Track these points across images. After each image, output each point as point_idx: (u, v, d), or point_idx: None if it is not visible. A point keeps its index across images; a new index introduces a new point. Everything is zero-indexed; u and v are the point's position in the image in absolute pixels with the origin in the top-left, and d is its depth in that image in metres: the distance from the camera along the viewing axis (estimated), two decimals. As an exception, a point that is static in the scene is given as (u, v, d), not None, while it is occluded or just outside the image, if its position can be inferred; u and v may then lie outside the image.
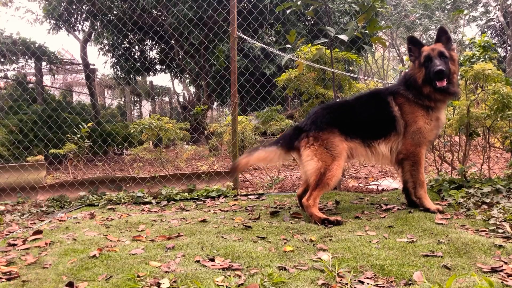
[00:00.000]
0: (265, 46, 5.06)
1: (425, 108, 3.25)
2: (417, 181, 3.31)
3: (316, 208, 3.15)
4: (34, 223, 3.72)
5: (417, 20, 18.61)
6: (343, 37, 4.01)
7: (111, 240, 2.81)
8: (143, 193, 4.54)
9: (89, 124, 7.26)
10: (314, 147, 3.23)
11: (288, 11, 4.87)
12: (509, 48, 16.32)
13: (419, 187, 3.31)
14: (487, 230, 2.65)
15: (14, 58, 11.77)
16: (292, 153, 3.48)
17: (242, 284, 1.92)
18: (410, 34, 3.50)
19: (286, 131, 3.66)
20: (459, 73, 4.25)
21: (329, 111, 3.41)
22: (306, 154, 3.24)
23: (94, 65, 16.84)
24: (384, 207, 3.46)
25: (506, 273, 1.93)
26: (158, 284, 1.94)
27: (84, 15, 12.12)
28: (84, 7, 11.37)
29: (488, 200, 3.30)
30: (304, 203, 3.20)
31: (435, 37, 3.37)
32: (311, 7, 4.45)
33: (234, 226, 3.08)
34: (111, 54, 14.05)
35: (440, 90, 3.16)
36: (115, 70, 14.58)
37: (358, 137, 3.32)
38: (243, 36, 4.86)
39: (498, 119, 4.01)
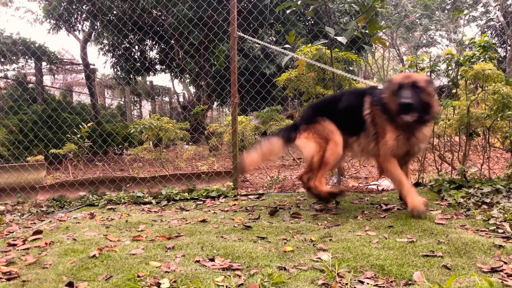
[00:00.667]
0: (268, 45, 5.06)
1: (396, 126, 3.17)
2: (395, 184, 3.32)
3: (323, 185, 3.36)
4: (34, 223, 3.72)
5: (417, 20, 18.61)
6: (342, 39, 4.01)
7: (111, 240, 2.81)
8: (143, 193, 4.54)
9: (89, 124, 7.26)
10: (304, 134, 3.50)
11: (288, 11, 4.86)
12: (509, 48, 16.32)
13: (399, 188, 3.30)
14: (487, 230, 2.65)
15: (14, 58, 11.76)
16: (291, 145, 3.73)
17: (242, 284, 1.92)
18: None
19: (284, 127, 3.91)
20: (459, 73, 4.25)
21: (315, 106, 3.73)
22: (299, 143, 3.51)
23: (94, 65, 16.83)
24: (384, 207, 3.46)
25: (506, 273, 1.93)
26: (158, 284, 1.94)
27: (84, 15, 12.11)
28: (84, 7, 11.37)
29: (488, 200, 3.30)
30: (311, 186, 3.40)
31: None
32: (311, 7, 4.45)
33: (234, 226, 3.08)
34: (111, 54, 14.05)
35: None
36: (115, 70, 14.58)
37: (340, 128, 3.46)
38: (243, 35, 4.86)
39: (498, 119, 4.01)
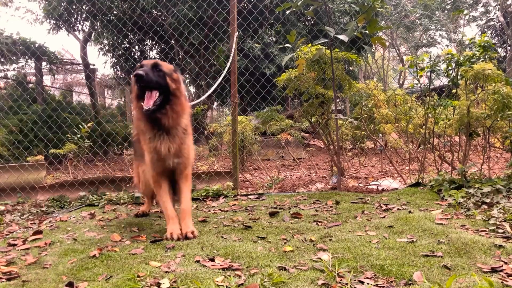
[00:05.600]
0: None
1: (143, 133, 2.86)
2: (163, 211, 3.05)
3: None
4: (34, 223, 3.72)
5: (417, 20, 18.60)
6: (343, 37, 4.01)
7: (111, 240, 2.81)
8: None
9: (89, 124, 7.26)
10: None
11: (288, 11, 4.86)
12: (509, 48, 16.32)
13: (164, 213, 3.00)
14: (487, 230, 2.65)
15: (14, 58, 11.76)
16: None
17: (242, 284, 1.92)
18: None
19: None
20: (459, 73, 4.24)
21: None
22: None
23: (94, 65, 16.81)
24: (384, 207, 3.46)
25: (506, 273, 1.93)
26: (158, 284, 1.94)
27: (84, 15, 12.10)
28: (84, 7, 11.36)
29: (488, 200, 3.30)
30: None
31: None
32: (311, 7, 4.45)
33: (234, 226, 3.08)
34: (111, 54, 14.03)
35: (146, 111, 2.64)
36: (115, 70, 14.56)
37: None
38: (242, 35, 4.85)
39: (498, 119, 4.01)
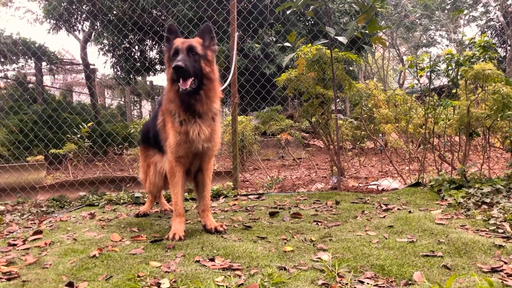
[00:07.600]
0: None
1: (172, 116, 2.84)
2: (172, 203, 2.94)
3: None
4: (34, 223, 3.72)
5: (417, 20, 18.60)
6: (342, 39, 4.00)
7: (111, 240, 2.81)
8: (143, 194, 4.54)
9: (89, 124, 7.26)
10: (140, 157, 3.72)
11: (288, 11, 4.85)
12: (509, 48, 16.31)
13: (173, 208, 2.92)
14: (487, 230, 2.65)
15: (14, 58, 11.78)
16: None
17: (242, 284, 1.92)
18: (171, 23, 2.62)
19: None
20: (459, 73, 4.24)
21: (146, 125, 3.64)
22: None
23: (94, 65, 16.81)
24: (384, 207, 3.46)
25: (506, 273, 1.93)
26: (158, 284, 1.94)
27: (84, 15, 12.12)
28: (84, 7, 11.37)
29: (488, 200, 3.30)
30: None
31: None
32: (311, 7, 4.45)
33: (234, 226, 3.08)
34: (111, 54, 14.02)
35: (183, 94, 2.68)
36: (115, 70, 14.56)
37: (160, 152, 3.21)
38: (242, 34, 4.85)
39: (498, 119, 4.01)
